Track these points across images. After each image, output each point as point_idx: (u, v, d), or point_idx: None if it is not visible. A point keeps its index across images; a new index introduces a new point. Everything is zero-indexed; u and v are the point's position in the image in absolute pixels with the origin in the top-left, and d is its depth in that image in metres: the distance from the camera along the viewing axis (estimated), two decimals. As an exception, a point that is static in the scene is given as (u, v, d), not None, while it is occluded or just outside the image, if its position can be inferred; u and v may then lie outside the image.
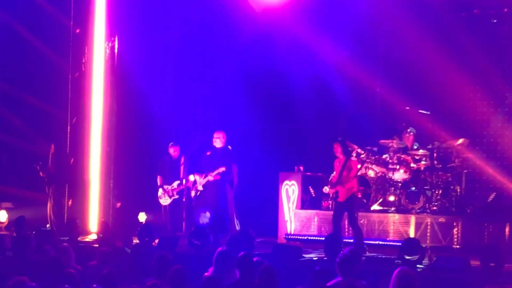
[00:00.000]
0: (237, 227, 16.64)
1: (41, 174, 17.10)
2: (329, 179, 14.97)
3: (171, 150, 16.72)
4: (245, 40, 19.47)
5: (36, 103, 19.27)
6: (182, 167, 16.40)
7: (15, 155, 19.83)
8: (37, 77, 19.43)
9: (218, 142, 15.90)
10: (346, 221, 14.48)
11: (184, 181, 16.16)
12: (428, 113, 16.29)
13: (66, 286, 7.66)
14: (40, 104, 19.22)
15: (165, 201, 16.61)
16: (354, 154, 15.12)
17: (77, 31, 18.13)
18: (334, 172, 14.49)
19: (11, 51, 19.69)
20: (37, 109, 19.35)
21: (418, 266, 11.69)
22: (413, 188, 15.32)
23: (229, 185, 16.77)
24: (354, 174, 14.03)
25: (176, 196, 16.49)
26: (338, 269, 9.55)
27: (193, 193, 15.92)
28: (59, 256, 10.61)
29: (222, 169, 15.69)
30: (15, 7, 19.28)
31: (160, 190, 16.71)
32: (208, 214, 15.41)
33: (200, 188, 15.70)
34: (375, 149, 15.97)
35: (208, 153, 15.95)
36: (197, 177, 15.92)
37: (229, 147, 16.53)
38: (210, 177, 15.66)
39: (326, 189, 14.53)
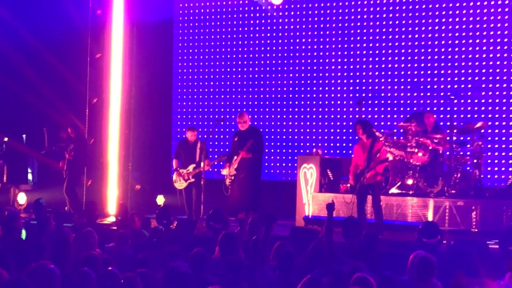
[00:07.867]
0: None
1: (66, 155, 17.21)
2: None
3: (189, 134, 16.41)
4: (266, 23, 19.46)
5: (66, 77, 19.27)
6: (198, 151, 16.13)
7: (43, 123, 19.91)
8: (65, 49, 19.38)
9: (244, 125, 15.91)
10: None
11: (202, 164, 15.96)
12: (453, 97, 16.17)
13: (86, 268, 7.69)
14: (69, 79, 19.21)
15: (180, 184, 16.33)
16: (381, 137, 15.02)
17: (98, 12, 18.15)
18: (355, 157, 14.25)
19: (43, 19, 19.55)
20: (66, 83, 19.34)
21: None
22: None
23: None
24: (384, 157, 13.79)
25: (192, 180, 16.23)
26: (352, 253, 9.58)
27: (227, 181, 15.71)
28: (82, 240, 10.67)
29: (249, 152, 15.65)
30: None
31: (175, 174, 16.52)
32: None
33: (232, 172, 15.57)
34: (394, 131, 15.94)
35: (235, 139, 15.86)
36: (225, 171, 15.80)
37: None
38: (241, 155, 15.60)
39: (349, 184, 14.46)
